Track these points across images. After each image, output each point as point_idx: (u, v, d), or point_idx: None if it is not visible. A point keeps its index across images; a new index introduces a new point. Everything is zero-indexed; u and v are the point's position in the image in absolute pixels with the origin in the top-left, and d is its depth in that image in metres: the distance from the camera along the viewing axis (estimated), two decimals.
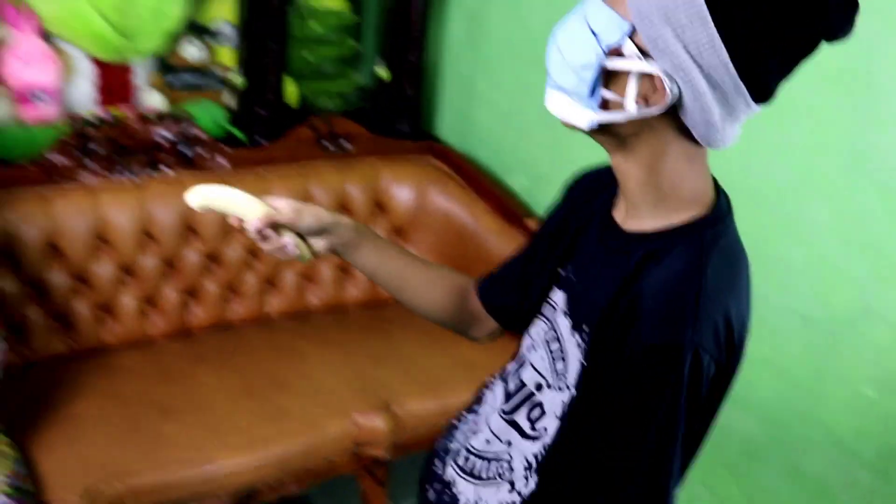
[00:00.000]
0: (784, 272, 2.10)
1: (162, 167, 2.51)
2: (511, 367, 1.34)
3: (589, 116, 1.07)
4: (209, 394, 2.28)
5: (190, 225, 2.52)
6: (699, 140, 1.07)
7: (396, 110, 2.94)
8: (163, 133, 2.49)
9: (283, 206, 1.28)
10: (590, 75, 1.04)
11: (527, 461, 1.25)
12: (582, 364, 1.16)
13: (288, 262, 2.67)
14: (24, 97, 2.42)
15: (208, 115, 2.64)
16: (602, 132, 1.09)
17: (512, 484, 1.27)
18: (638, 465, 1.09)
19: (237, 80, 2.66)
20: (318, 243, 1.31)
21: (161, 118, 2.49)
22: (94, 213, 2.38)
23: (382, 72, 2.90)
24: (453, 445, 1.39)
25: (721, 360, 1.08)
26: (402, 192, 2.85)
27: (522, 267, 1.39)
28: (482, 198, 2.81)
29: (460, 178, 2.87)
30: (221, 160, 2.59)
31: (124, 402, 2.21)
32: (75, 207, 2.36)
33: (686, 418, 1.07)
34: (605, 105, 1.06)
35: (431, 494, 1.39)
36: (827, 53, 1.07)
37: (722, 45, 0.99)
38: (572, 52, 1.06)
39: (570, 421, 1.18)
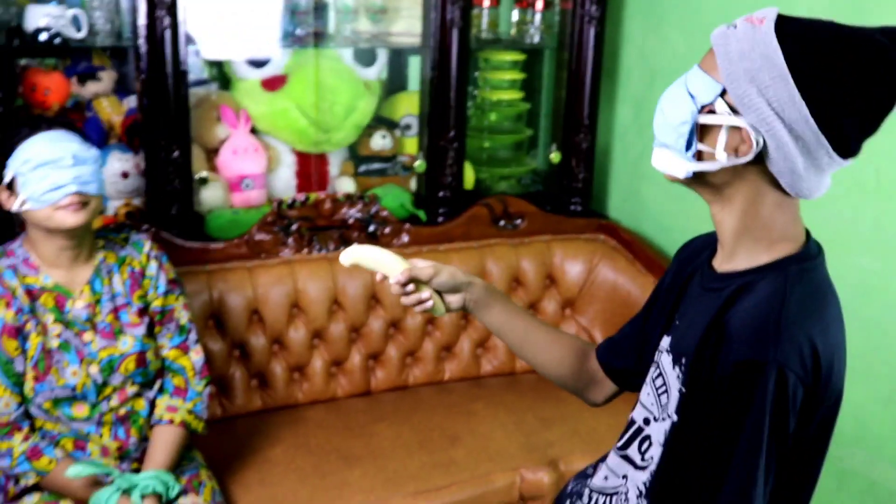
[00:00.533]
0: None
1: (352, 243, 2.79)
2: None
3: (686, 167, 1.23)
4: (387, 446, 2.48)
5: (375, 295, 2.77)
6: (786, 188, 1.21)
7: (568, 191, 3.12)
8: (353, 213, 2.78)
9: (423, 265, 1.49)
10: (686, 130, 1.22)
11: (638, 489, 1.37)
12: (681, 391, 1.27)
13: (464, 330, 2.88)
14: (236, 185, 2.78)
15: (394, 197, 2.92)
16: (699, 182, 1.26)
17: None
18: (724, 482, 1.17)
19: (420, 166, 2.93)
20: (453, 300, 1.51)
21: (352, 200, 2.78)
22: (291, 284, 2.68)
23: (555, 156, 3.10)
24: (582, 489, 1.52)
25: (808, 382, 1.17)
26: (572, 267, 3.01)
27: (639, 329, 1.52)
28: (649, 271, 2.92)
29: (628, 253, 2.99)
30: (405, 238, 2.84)
31: (312, 451, 2.44)
32: (275, 279, 2.67)
33: (777, 442, 1.16)
34: (699, 157, 1.23)
35: None
36: None
37: (802, 102, 1.14)
38: (673, 112, 1.23)
39: (670, 445, 1.29)
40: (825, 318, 1.22)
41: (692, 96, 1.21)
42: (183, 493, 2.05)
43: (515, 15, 3.07)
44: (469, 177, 3.06)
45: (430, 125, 2.89)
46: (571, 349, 1.59)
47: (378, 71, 3.01)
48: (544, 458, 2.47)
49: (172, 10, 2.46)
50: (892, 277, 2.35)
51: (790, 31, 1.15)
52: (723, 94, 1.19)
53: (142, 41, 2.47)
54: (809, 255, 1.26)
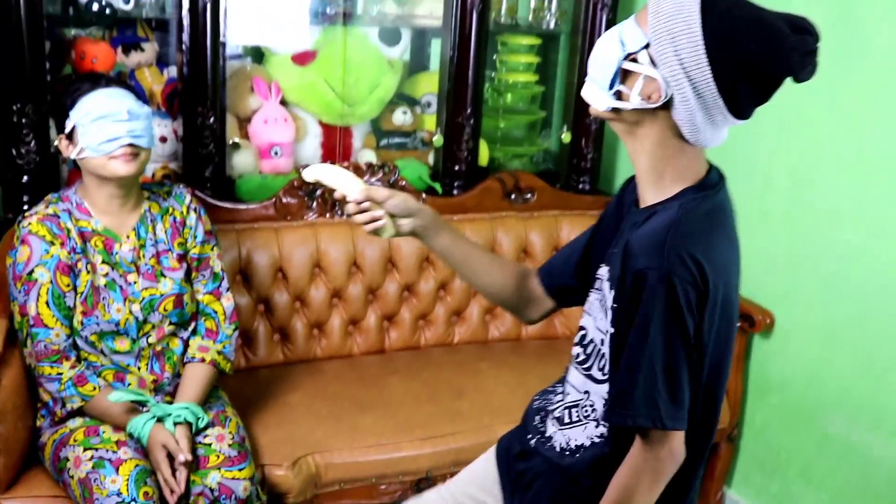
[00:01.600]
0: None
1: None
2: (577, 336, 1.65)
3: (606, 102, 1.47)
4: (398, 397, 2.68)
5: (391, 259, 2.97)
6: (685, 136, 1.43)
7: (577, 170, 3.30)
8: (373, 182, 2.96)
9: (381, 189, 1.66)
10: (612, 71, 1.45)
11: (604, 399, 1.55)
12: (613, 308, 1.49)
13: (474, 297, 3.07)
14: (265, 152, 2.98)
15: (412, 170, 3.10)
16: (616, 118, 1.48)
17: (597, 421, 1.57)
18: (639, 375, 1.39)
19: (438, 141, 3.12)
20: (404, 223, 1.66)
21: (373, 170, 2.97)
22: (313, 246, 2.88)
23: (565, 136, 3.28)
24: (548, 405, 1.71)
25: (698, 286, 1.38)
26: None
27: (581, 252, 1.74)
28: None
29: None
30: None
31: (328, 398, 2.64)
32: (299, 240, 2.86)
33: (681, 338, 1.38)
34: (619, 96, 1.45)
35: (534, 440, 1.70)
36: None
37: (708, 66, 1.37)
38: (605, 53, 1.46)
39: (611, 352, 1.50)
40: (711, 238, 1.43)
41: (622, 44, 1.44)
42: (210, 424, 2.24)
43: (533, 1, 3.25)
44: (484, 154, 3.25)
45: (448, 103, 3.07)
46: (511, 271, 1.79)
47: (401, 50, 3.20)
48: None
49: None
50: (871, 251, 2.53)
51: (711, 6, 1.38)
52: (647, 46, 1.42)
53: (185, 14, 2.66)
54: (705, 186, 1.48)
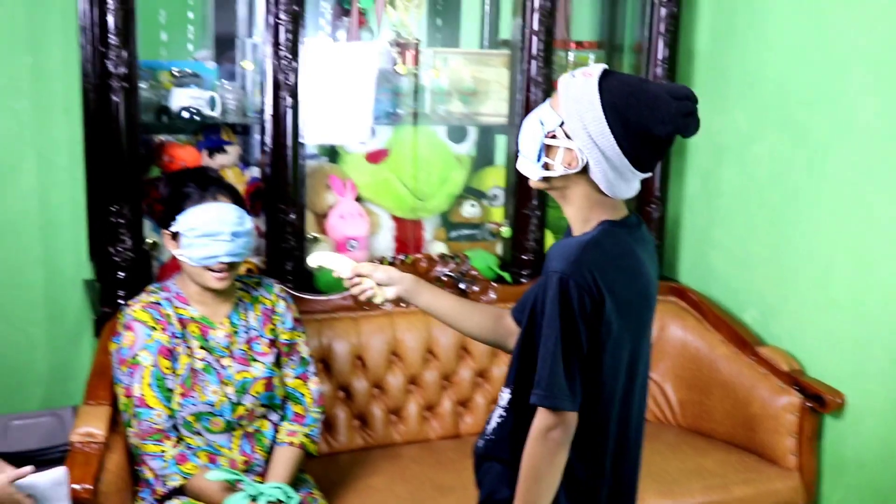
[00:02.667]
0: None
1: None
2: None
3: (537, 172, 1.76)
4: None
5: (464, 346, 3.07)
6: (604, 191, 1.72)
7: None
8: (445, 272, 3.09)
9: (366, 265, 1.98)
10: (537, 147, 1.74)
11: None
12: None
13: None
14: (342, 246, 3.13)
15: (482, 260, 3.22)
16: (549, 186, 1.77)
17: (503, 408, 1.84)
18: (548, 361, 1.64)
19: (506, 232, 3.24)
20: (389, 290, 1.96)
21: (444, 260, 3.09)
22: (390, 334, 2.99)
23: None
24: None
25: (594, 295, 1.64)
26: None
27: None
28: (717, 329, 3.17)
29: (697, 314, 3.25)
30: (492, 295, 3.14)
31: (408, 481, 2.72)
32: (377, 329, 2.98)
33: (572, 338, 1.63)
34: (546, 167, 1.74)
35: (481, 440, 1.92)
36: None
37: (611, 135, 1.66)
38: (529, 134, 1.76)
39: (519, 344, 1.78)
40: (613, 261, 1.70)
41: (542, 123, 1.74)
42: None
43: None
44: (550, 243, 3.36)
45: (515, 196, 3.21)
46: (488, 314, 2.04)
47: (468, 147, 3.37)
48: None
49: (294, 92, 2.84)
50: None
51: (607, 85, 1.68)
52: (562, 124, 1.71)
53: (267, 118, 2.85)
54: (623, 224, 1.76)
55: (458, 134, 3.34)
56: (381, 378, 2.99)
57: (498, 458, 1.84)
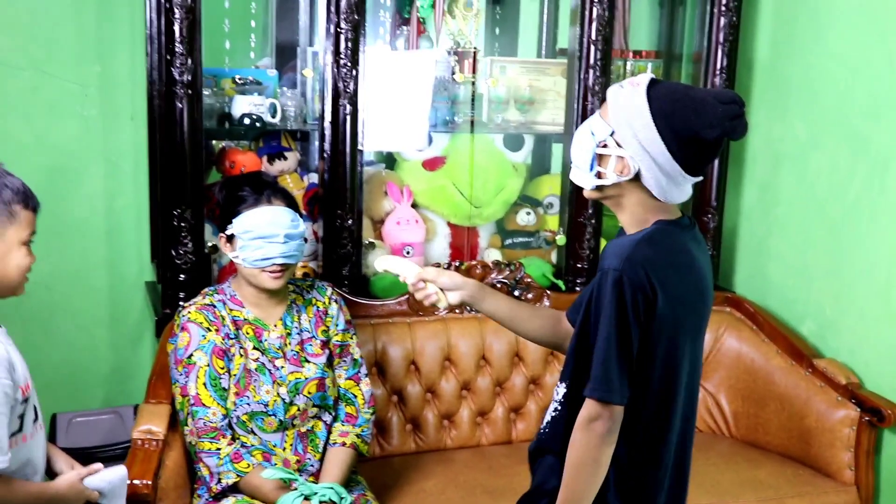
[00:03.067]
0: None
1: None
2: None
3: (591, 181, 1.81)
4: (528, 485, 2.74)
5: (517, 353, 3.08)
6: (657, 196, 1.76)
7: None
8: (500, 279, 3.11)
9: (431, 270, 2.03)
10: (589, 157, 1.79)
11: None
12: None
13: None
14: (398, 251, 3.16)
15: (536, 267, 3.24)
16: (603, 196, 1.82)
17: (558, 402, 1.87)
18: (603, 356, 1.69)
19: (561, 240, 3.25)
20: (453, 296, 2.00)
21: (499, 267, 3.11)
22: (444, 340, 3.02)
23: None
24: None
25: (648, 294, 1.68)
26: None
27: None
28: (773, 341, 3.14)
29: (753, 325, 3.22)
30: (546, 303, 3.15)
31: (460, 486, 2.74)
32: (431, 334, 3.01)
33: (625, 334, 1.67)
34: (599, 175, 1.79)
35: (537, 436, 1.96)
36: None
37: (661, 142, 1.71)
38: (581, 144, 1.81)
39: (574, 340, 1.81)
40: (666, 260, 1.74)
41: (593, 134, 1.79)
42: None
43: None
44: None
45: (570, 204, 3.22)
46: (548, 317, 2.09)
47: (525, 155, 3.39)
48: None
49: (353, 100, 2.89)
50: None
51: (655, 93, 1.73)
52: (612, 133, 1.76)
53: (326, 125, 2.90)
54: (675, 224, 1.80)
55: (514, 142, 3.36)
56: (434, 383, 3.01)
57: (550, 450, 1.88)
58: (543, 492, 1.88)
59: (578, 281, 3.23)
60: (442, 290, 2.00)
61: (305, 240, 2.99)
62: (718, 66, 3.27)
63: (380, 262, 2.09)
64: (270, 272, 2.34)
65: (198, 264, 2.82)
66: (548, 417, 1.91)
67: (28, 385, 1.87)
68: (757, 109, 3.38)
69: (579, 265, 3.23)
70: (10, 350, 1.84)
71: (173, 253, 2.80)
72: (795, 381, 3.02)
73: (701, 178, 1.80)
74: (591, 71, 3.10)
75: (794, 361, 3.04)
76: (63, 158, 3.16)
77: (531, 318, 2.08)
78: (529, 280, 3.13)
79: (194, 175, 2.78)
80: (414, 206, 3.21)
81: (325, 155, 2.94)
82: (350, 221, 2.96)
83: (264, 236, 2.30)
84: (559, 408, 1.87)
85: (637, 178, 1.75)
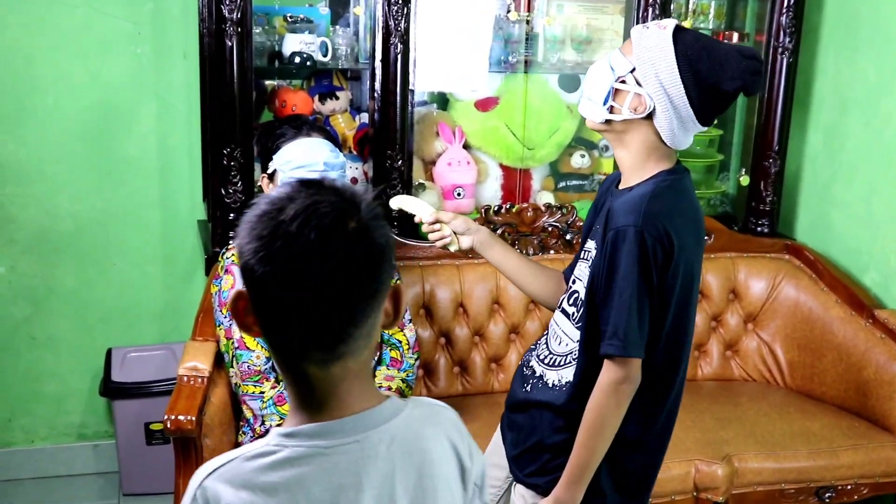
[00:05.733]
0: None
1: (550, 250, 3.07)
2: (569, 298, 1.92)
3: (602, 115, 1.81)
4: None
5: None
6: (664, 139, 1.78)
7: (756, 213, 3.28)
8: (551, 222, 3.06)
9: (446, 213, 2.07)
10: (606, 91, 1.80)
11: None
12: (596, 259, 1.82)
13: None
14: (449, 193, 3.13)
15: None
16: (608, 129, 1.83)
17: (581, 360, 1.85)
18: (623, 313, 1.71)
19: None
20: (464, 240, 2.04)
21: (551, 210, 3.06)
22: (493, 283, 2.99)
23: (744, 179, 3.28)
24: (537, 353, 1.98)
25: (666, 246, 1.71)
26: (756, 284, 3.17)
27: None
28: (833, 290, 3.05)
29: (812, 273, 3.13)
30: None
31: None
32: (480, 277, 2.98)
33: (647, 288, 1.71)
34: (611, 110, 1.80)
35: (528, 387, 1.96)
36: None
37: (681, 85, 1.73)
38: (599, 76, 1.82)
39: (587, 294, 1.82)
40: (678, 210, 1.78)
41: (612, 69, 1.80)
42: None
43: None
44: None
45: None
46: (553, 278, 2.09)
47: (580, 96, 3.29)
48: (719, 453, 2.64)
49: (405, 38, 2.84)
50: None
51: (682, 38, 1.74)
52: (633, 70, 1.77)
53: (377, 64, 2.86)
54: (675, 172, 1.82)
55: (569, 83, 3.27)
56: (482, 326, 2.99)
57: (546, 405, 1.90)
58: (545, 447, 1.90)
59: None
60: (455, 233, 2.04)
61: (354, 181, 3.01)
62: (786, 3, 3.13)
63: (395, 200, 2.13)
64: None
65: (247, 203, 2.81)
66: (569, 377, 1.87)
67: None
68: (825, 51, 3.25)
69: None
70: None
71: (223, 192, 2.80)
72: (854, 331, 2.93)
73: (705, 129, 1.84)
74: (650, 10, 3.00)
75: (854, 312, 2.96)
76: (116, 96, 3.16)
77: (537, 276, 2.10)
78: (581, 224, 3.07)
79: (243, 114, 2.76)
80: (466, 147, 3.16)
81: (376, 95, 2.90)
82: (400, 162, 2.93)
83: (304, 165, 2.28)
84: (579, 374, 1.85)
85: (649, 117, 1.77)
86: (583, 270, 1.88)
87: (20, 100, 3.10)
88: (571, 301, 1.91)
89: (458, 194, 3.12)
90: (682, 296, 1.80)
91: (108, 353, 3.21)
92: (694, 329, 1.90)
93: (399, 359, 2.48)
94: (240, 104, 2.75)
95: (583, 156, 3.29)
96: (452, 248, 2.05)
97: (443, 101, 3.27)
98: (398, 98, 2.88)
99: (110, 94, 3.15)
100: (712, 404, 2.92)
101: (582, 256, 1.92)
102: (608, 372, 1.76)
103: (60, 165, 3.16)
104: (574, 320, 1.88)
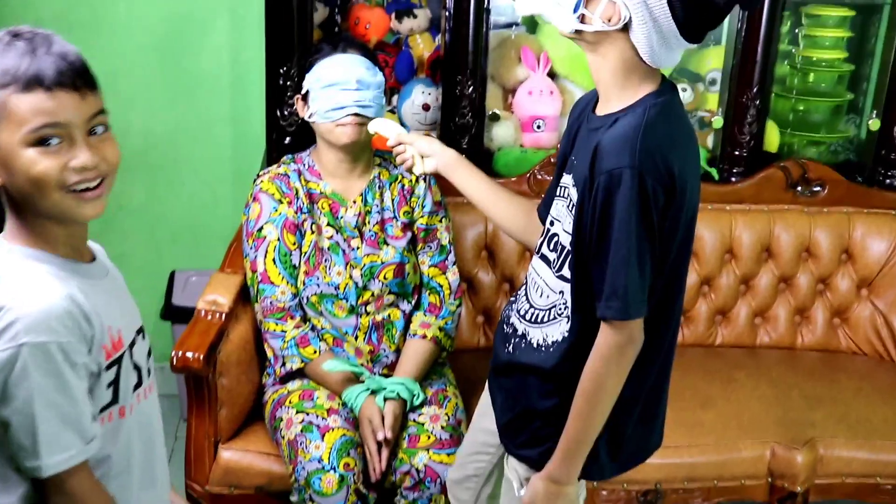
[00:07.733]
0: None
1: None
2: (548, 243, 1.70)
3: (571, 24, 1.57)
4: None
5: (767, 248, 2.80)
6: (642, 56, 1.53)
7: (885, 163, 2.86)
8: None
9: (411, 134, 1.93)
10: None
11: (573, 295, 1.61)
12: (577, 206, 1.58)
13: (742, 297, 2.79)
14: (528, 125, 2.85)
15: None
16: (580, 38, 1.58)
17: (569, 317, 1.63)
18: (608, 267, 1.50)
19: (717, 123, 2.83)
20: (429, 162, 1.88)
21: None
22: None
23: (874, 123, 2.86)
24: (517, 307, 1.76)
25: (667, 185, 1.48)
26: (875, 244, 2.79)
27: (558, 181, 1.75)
28: None
29: None
30: None
31: None
32: None
33: (647, 233, 1.48)
34: (582, 19, 1.54)
35: (510, 347, 1.75)
36: None
37: None
38: None
39: (576, 248, 1.58)
40: (676, 140, 1.55)
41: None
42: (427, 402, 2.17)
43: None
44: (773, 139, 2.91)
45: (732, 81, 2.78)
46: (523, 207, 1.90)
47: None
48: (801, 437, 2.33)
49: None
50: None
51: None
52: None
53: None
54: (663, 93, 1.57)
55: None
56: None
57: (533, 369, 1.69)
58: (535, 413, 1.70)
59: (735, 170, 2.82)
60: (421, 155, 1.90)
61: (426, 107, 2.77)
62: None
63: (373, 124, 2.01)
64: (345, 125, 2.11)
65: (304, 126, 2.63)
66: (557, 335, 1.66)
67: (120, 339, 1.36)
68: None
69: (737, 152, 2.82)
70: (94, 293, 1.33)
71: (278, 113, 2.63)
72: None
73: (694, 46, 1.58)
74: None
75: None
76: (190, 7, 3.02)
77: (505, 204, 1.90)
78: None
79: (301, 30, 2.57)
80: (551, 75, 2.86)
81: (448, 13, 2.64)
82: (471, 89, 2.68)
83: (335, 82, 2.10)
84: (569, 332, 1.64)
85: (625, 29, 1.52)
86: (561, 210, 1.66)
87: (94, 8, 3.00)
88: (552, 246, 1.68)
89: (538, 127, 2.84)
90: (683, 238, 1.58)
91: (172, 275, 3.13)
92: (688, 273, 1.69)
93: (438, 305, 2.27)
94: (297, 19, 2.55)
95: (685, 89, 2.93)
96: (417, 171, 1.91)
97: (532, 23, 2.97)
98: (471, 18, 2.61)
99: (183, 5, 3.02)
100: (805, 379, 2.59)
101: (558, 194, 1.69)
102: (607, 336, 1.55)
103: (132, 79, 3.05)
104: (555, 268, 1.66)
